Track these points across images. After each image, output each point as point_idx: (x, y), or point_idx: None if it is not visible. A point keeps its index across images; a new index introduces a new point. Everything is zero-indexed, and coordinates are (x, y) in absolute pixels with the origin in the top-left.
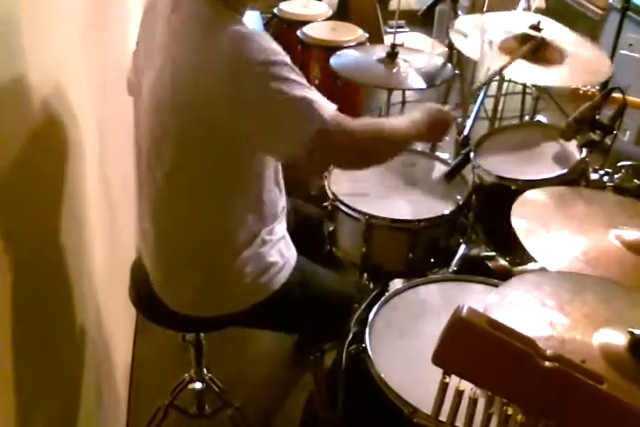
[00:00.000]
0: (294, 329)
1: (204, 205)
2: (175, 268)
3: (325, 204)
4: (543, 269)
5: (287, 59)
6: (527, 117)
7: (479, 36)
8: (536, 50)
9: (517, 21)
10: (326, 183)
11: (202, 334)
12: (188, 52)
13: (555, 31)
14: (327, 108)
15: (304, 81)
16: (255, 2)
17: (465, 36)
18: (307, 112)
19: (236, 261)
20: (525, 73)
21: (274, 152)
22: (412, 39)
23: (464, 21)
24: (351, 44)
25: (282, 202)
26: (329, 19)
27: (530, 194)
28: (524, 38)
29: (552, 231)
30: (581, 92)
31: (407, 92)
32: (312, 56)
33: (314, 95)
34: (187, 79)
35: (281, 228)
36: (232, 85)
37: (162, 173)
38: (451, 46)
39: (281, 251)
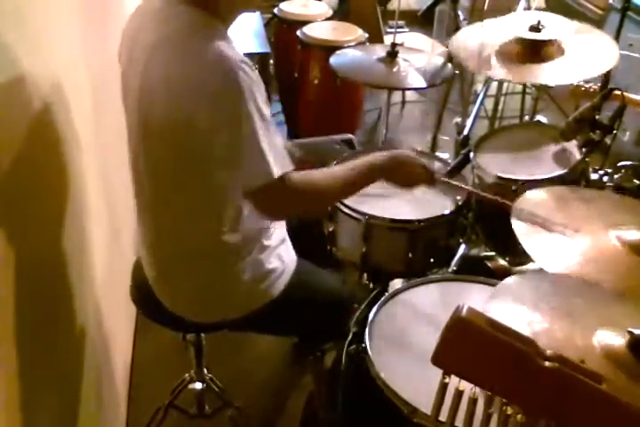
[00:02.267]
0: (295, 332)
1: (198, 212)
2: (172, 276)
3: None
4: (541, 270)
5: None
6: (527, 117)
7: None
8: (535, 50)
9: (517, 23)
10: None
11: (202, 334)
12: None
13: (555, 26)
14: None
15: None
16: (247, 5)
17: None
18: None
19: (233, 268)
20: (525, 74)
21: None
22: (411, 39)
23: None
24: (351, 44)
25: None
26: (329, 19)
27: (530, 194)
28: (523, 42)
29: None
30: (583, 89)
31: (407, 92)
32: (312, 56)
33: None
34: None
35: (280, 232)
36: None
37: (148, 178)
38: None
39: (280, 256)
